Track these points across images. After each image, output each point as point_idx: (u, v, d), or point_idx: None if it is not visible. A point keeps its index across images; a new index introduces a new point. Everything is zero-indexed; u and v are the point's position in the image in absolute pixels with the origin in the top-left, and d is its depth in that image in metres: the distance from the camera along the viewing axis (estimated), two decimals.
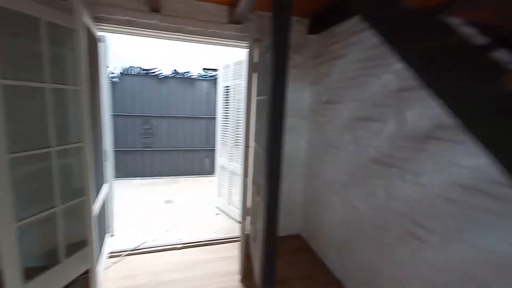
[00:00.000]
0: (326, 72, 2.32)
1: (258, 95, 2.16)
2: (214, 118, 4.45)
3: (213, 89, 4.59)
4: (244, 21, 2.23)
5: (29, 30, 1.60)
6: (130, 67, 4.15)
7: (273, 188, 1.26)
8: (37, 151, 1.66)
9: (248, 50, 2.12)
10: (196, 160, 4.78)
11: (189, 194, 3.84)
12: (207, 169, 4.78)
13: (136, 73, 4.21)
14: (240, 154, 2.78)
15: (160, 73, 4.32)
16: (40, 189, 1.74)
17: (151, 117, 4.46)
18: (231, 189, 3.01)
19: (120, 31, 2.03)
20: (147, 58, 4.38)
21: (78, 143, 1.87)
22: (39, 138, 1.70)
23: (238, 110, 2.81)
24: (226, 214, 3.09)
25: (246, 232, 2.10)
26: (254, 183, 2.24)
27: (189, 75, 4.47)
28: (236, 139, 2.87)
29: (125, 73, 4.15)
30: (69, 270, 1.86)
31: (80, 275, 1.93)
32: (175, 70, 4.39)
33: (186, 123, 4.62)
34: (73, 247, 1.89)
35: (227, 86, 2.98)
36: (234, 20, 2.21)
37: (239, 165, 2.79)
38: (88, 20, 1.71)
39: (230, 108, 2.94)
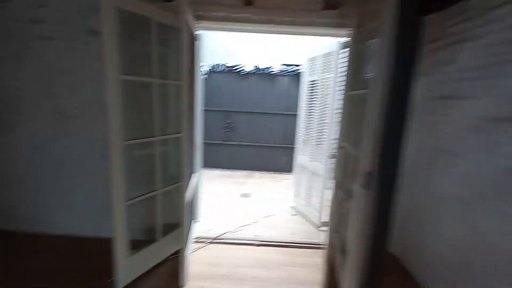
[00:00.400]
0: (443, 60, 1.86)
1: (353, 89, 1.90)
2: (293, 115, 4.31)
3: (294, 85, 4.44)
4: (341, 6, 1.99)
5: (142, 30, 1.78)
6: (217, 64, 4.41)
7: (386, 199, 1.03)
8: (145, 140, 1.86)
9: (345, 37, 1.89)
10: (272, 157, 4.77)
11: (265, 190, 3.85)
12: (283, 167, 4.70)
13: (221, 70, 4.45)
14: (324, 154, 2.56)
15: (242, 70, 4.45)
16: (144, 173, 1.96)
17: (232, 112, 4.66)
18: (310, 191, 2.83)
19: (216, 27, 2.10)
20: (231, 55, 4.57)
21: (177, 133, 2.02)
22: (146, 127, 1.90)
23: (324, 106, 2.59)
24: (303, 216, 2.92)
25: (329, 240, 1.90)
26: (341, 187, 2.00)
27: (269, 70, 4.46)
28: (320, 138, 2.66)
29: (213, 70, 4.44)
30: (164, 248, 2.05)
31: (171, 255, 2.11)
32: (256, 66, 4.45)
33: (264, 119, 4.65)
34: (167, 228, 2.07)
35: (313, 81, 2.79)
36: (329, 5, 2.00)
37: (323, 166, 2.58)
38: (190, 19, 1.80)
39: (315, 104, 2.74)
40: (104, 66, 1.50)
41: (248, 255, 2.23)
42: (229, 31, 2.16)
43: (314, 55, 2.78)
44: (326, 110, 2.56)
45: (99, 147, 2.14)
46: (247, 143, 4.76)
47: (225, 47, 4.58)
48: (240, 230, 2.57)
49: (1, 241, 2.23)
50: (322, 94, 2.63)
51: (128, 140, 1.69)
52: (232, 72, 4.49)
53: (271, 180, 4.39)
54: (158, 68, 1.86)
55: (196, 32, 2.18)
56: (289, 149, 4.50)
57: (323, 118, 2.60)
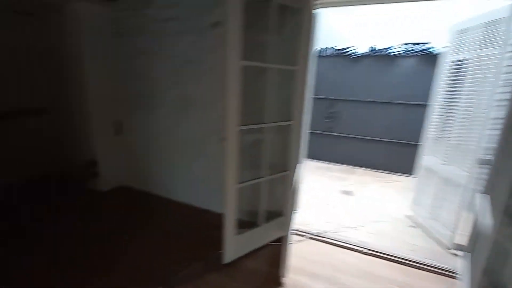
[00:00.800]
0: None
1: None
2: (416, 105, 3.58)
3: (421, 67, 3.62)
4: None
5: (261, 13, 1.73)
6: (324, 48, 4.10)
7: None
8: (257, 126, 1.86)
9: None
10: (380, 153, 4.16)
11: (369, 190, 3.40)
12: (393, 166, 4.03)
13: (329, 54, 4.11)
14: (469, 158, 1.94)
15: (354, 52, 3.96)
16: (252, 158, 1.99)
17: (336, 101, 4.29)
18: (440, 202, 2.25)
19: (339, 2, 1.84)
20: (341, 37, 4.15)
21: (287, 121, 1.94)
22: (257, 114, 1.89)
23: (476, 93, 1.94)
24: (425, 231, 2.38)
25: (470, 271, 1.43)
26: (504, 208, 1.44)
27: (389, 51, 3.78)
28: (464, 136, 2.03)
29: (319, 55, 4.16)
30: (266, 234, 2.08)
31: (272, 242, 2.11)
32: (372, 47, 3.86)
33: (375, 108, 4.05)
34: (270, 214, 2.07)
35: (460, 60, 2.13)
36: None
37: (464, 173, 1.97)
38: None
39: (461, 91, 2.09)
40: (227, 53, 1.53)
41: (351, 261, 1.99)
42: (355, 4, 1.85)
43: (466, 26, 2.10)
44: (480, 99, 1.90)
45: (215, 130, 2.33)
46: (351, 135, 4.31)
47: (334, 28, 4.18)
48: (343, 231, 2.34)
49: (143, 200, 2.83)
50: (474, 77, 1.97)
51: (242, 125, 1.71)
52: (341, 55, 4.08)
53: (376, 179, 3.84)
54: (274, 53, 1.79)
55: (315, 11, 1.98)
56: (405, 146, 3.79)
57: (473, 110, 1.96)
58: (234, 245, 1.88)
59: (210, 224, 2.32)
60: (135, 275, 1.77)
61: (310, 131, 4.43)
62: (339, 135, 4.39)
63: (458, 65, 2.14)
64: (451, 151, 2.15)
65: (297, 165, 2.05)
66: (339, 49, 4.05)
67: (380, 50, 3.81)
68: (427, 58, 3.46)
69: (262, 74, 1.84)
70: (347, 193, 3.26)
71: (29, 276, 1.72)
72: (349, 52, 4.00)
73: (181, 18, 2.30)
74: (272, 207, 2.08)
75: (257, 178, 1.91)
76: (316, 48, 4.07)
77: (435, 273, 1.87)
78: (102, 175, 2.87)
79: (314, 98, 4.33)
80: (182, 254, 1.98)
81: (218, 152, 2.32)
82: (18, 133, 2.88)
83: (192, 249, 2.05)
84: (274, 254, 1.99)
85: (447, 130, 2.22)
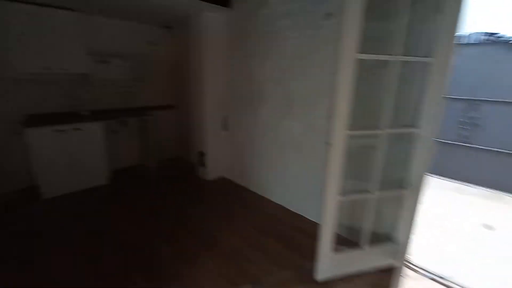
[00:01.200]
0: None
1: None
2: None
3: None
4: None
5: None
6: (469, 34, 3.17)
7: None
8: (370, 132, 1.57)
9: None
10: None
11: None
12: None
13: (474, 41, 3.15)
14: None
15: None
16: (358, 168, 1.70)
17: (479, 102, 3.25)
18: None
19: None
20: (497, 17, 3.08)
21: (410, 128, 1.56)
22: (370, 116, 1.59)
23: None
24: None
25: None
26: None
27: None
28: None
29: (461, 43, 3.25)
30: (370, 258, 1.76)
31: (377, 270, 1.78)
32: None
33: None
34: (376, 236, 1.74)
35: None
36: None
37: None
38: None
39: None
40: (341, 46, 1.33)
41: None
42: None
43: None
44: None
45: (319, 131, 2.16)
46: (499, 149, 3.18)
47: (484, 6, 3.15)
48: (478, 279, 1.71)
49: (239, 194, 2.98)
50: None
51: (351, 130, 1.47)
52: (493, 42, 3.04)
53: None
54: (398, 42, 1.44)
55: None
56: None
57: None
58: (330, 262, 1.67)
59: (302, 231, 2.19)
60: (225, 268, 1.81)
61: (437, 139, 3.55)
62: (479, 148, 3.32)
63: None
64: None
65: (420, 183, 1.63)
66: (490, 34, 3.04)
67: None
68: None
69: (379, 69, 1.54)
70: (487, 227, 2.42)
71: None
72: (507, 37, 2.93)
73: (292, 14, 2.24)
74: (378, 228, 1.75)
75: (364, 192, 1.63)
76: (458, 34, 3.21)
77: None
78: (209, 165, 3.22)
79: (447, 98, 3.44)
80: (271, 257, 1.93)
81: (319, 155, 2.15)
82: (158, 124, 3.64)
83: (282, 254, 1.96)
84: (379, 285, 1.66)
85: None
